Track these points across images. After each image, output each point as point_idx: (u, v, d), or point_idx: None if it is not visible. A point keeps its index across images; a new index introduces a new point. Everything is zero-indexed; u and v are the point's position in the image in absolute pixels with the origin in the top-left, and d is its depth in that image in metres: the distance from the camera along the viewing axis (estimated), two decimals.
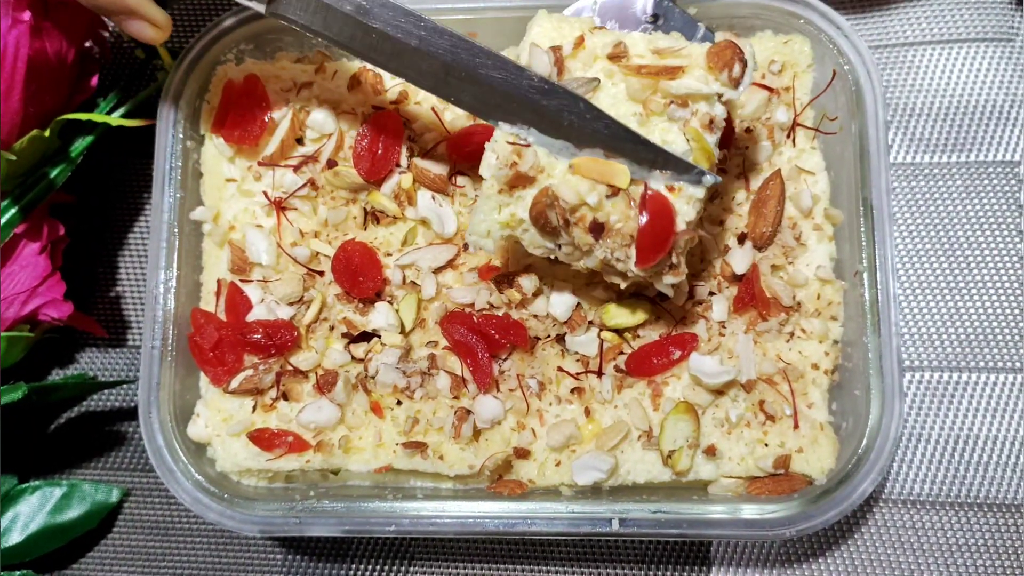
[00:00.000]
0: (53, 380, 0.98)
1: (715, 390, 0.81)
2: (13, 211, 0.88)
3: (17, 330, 0.89)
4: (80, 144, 0.91)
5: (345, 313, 0.85)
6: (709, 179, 0.70)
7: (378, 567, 0.91)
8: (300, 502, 0.81)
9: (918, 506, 0.87)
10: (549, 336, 0.83)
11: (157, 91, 0.90)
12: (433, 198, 0.85)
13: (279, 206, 0.87)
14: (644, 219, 0.70)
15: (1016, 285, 0.90)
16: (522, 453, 0.81)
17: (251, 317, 0.84)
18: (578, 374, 0.82)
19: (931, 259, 0.91)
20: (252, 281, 0.86)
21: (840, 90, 0.84)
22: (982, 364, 0.89)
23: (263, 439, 0.82)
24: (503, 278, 0.83)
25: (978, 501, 0.87)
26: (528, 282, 0.82)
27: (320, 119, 0.86)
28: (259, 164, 0.87)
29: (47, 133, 0.86)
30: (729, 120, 0.80)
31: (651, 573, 0.89)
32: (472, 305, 0.83)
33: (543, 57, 0.72)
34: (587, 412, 0.81)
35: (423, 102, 0.87)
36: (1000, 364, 0.89)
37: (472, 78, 0.72)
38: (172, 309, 0.84)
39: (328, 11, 0.73)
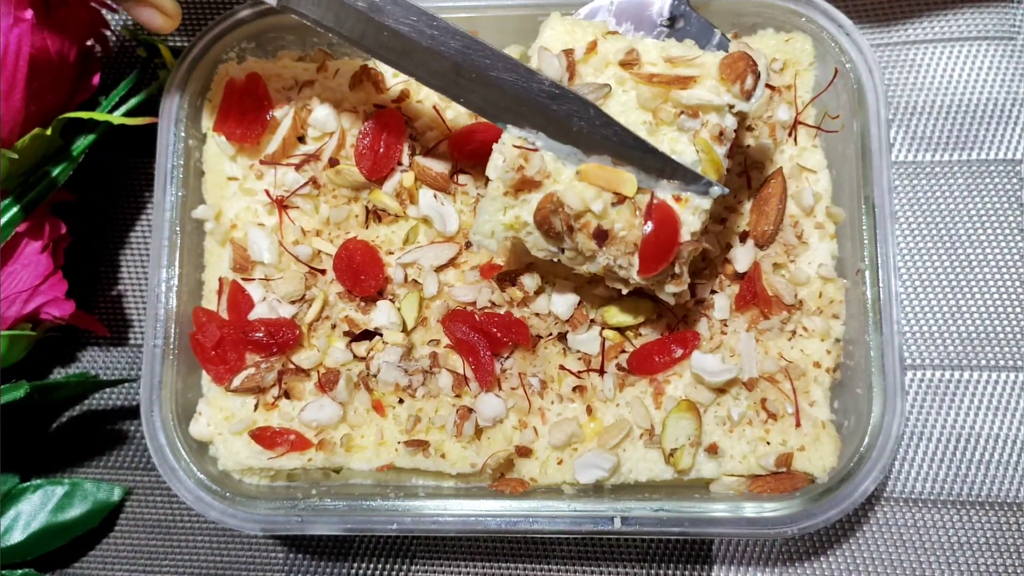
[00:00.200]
0: (55, 379, 0.98)
1: (717, 388, 0.81)
2: (15, 210, 0.88)
3: (19, 329, 0.89)
4: (82, 143, 0.91)
5: (347, 311, 0.85)
6: (716, 190, 0.70)
7: (380, 565, 0.91)
8: (302, 500, 0.81)
9: (920, 504, 0.87)
10: (551, 334, 0.83)
11: (159, 89, 0.90)
12: (435, 196, 0.85)
13: (281, 204, 0.87)
14: (649, 228, 0.70)
15: (1018, 283, 0.90)
16: (524, 451, 0.81)
17: (253, 315, 0.84)
18: (580, 372, 0.82)
19: (933, 257, 0.91)
20: (254, 279, 0.86)
21: (842, 88, 0.84)
22: (984, 362, 0.89)
23: (265, 437, 0.82)
24: (505, 276, 0.83)
25: (980, 499, 0.87)
26: (530, 280, 0.82)
27: (322, 117, 0.86)
28: (261, 162, 0.87)
29: (49, 132, 0.86)
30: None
31: (653, 571, 0.89)
32: (474, 303, 0.83)
33: (554, 61, 0.71)
34: (589, 410, 0.81)
35: (425, 100, 0.87)
36: (1002, 362, 0.89)
37: (482, 79, 0.71)
38: (174, 308, 0.84)
39: (340, 7, 0.72)
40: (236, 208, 0.87)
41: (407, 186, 0.85)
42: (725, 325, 0.82)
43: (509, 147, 0.71)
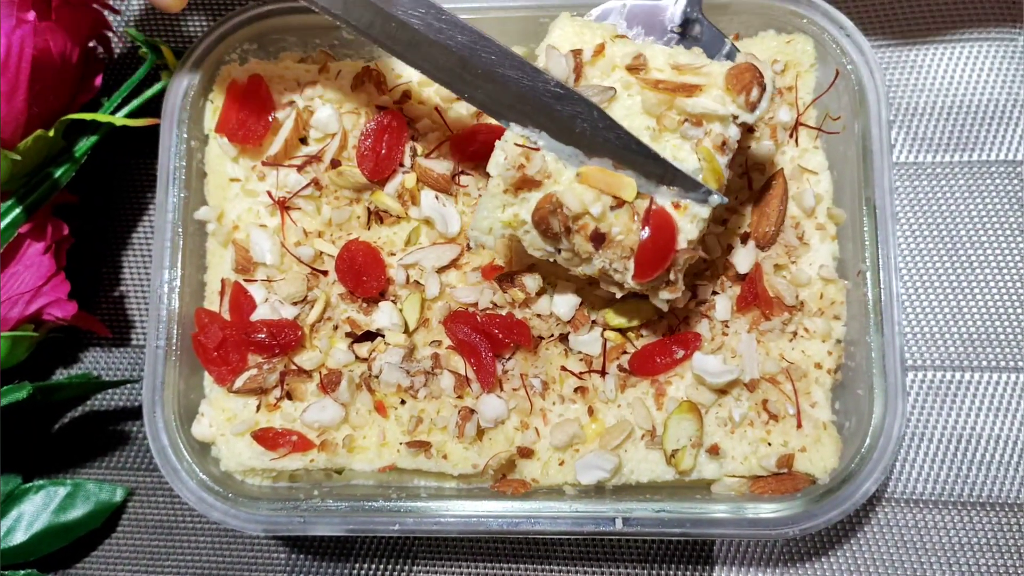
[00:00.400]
0: (57, 380, 0.98)
1: (718, 389, 0.81)
2: (17, 211, 0.88)
3: (21, 330, 0.89)
4: (84, 144, 0.91)
5: (349, 313, 0.85)
6: (716, 199, 0.70)
7: (382, 566, 0.91)
8: (304, 501, 0.81)
9: (921, 505, 0.87)
10: (552, 335, 0.83)
11: (161, 91, 0.90)
12: (436, 198, 0.85)
13: (283, 206, 0.87)
14: (646, 233, 0.70)
15: (1019, 284, 0.90)
16: (526, 452, 0.81)
17: (255, 317, 0.84)
18: (581, 373, 0.82)
19: (934, 258, 0.91)
20: (256, 281, 0.86)
21: (843, 89, 0.84)
22: (985, 363, 0.89)
23: (267, 438, 0.82)
24: (506, 277, 0.83)
25: (981, 500, 0.87)
26: (531, 281, 0.82)
27: (324, 119, 0.86)
28: (263, 164, 0.87)
29: (51, 133, 0.86)
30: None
31: (654, 572, 0.89)
32: (476, 304, 0.83)
33: (561, 60, 0.71)
34: (590, 411, 0.81)
35: (427, 102, 0.87)
36: (1003, 363, 0.89)
37: (488, 75, 0.71)
38: (176, 309, 0.84)
39: None
40: (238, 209, 0.88)
41: (409, 187, 0.85)
42: (726, 326, 0.82)
43: (511, 145, 0.72)
